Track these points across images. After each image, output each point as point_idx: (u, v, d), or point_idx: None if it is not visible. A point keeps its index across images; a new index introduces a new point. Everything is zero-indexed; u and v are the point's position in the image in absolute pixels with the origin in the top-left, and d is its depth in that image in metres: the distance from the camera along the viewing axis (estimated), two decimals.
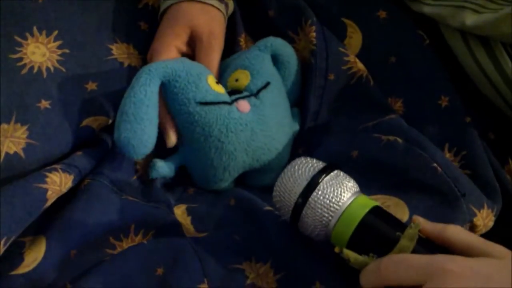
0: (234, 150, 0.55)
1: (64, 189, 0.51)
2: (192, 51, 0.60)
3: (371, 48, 0.61)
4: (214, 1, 0.60)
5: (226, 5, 0.62)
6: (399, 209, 0.49)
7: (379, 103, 0.59)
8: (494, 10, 0.54)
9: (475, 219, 0.51)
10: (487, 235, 0.53)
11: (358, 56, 0.61)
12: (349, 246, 0.42)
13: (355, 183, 0.45)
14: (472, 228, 0.51)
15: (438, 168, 0.51)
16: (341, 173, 0.45)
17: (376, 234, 0.41)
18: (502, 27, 0.53)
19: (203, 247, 0.49)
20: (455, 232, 0.40)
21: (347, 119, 0.59)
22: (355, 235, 0.42)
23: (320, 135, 0.60)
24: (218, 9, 0.60)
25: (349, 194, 0.43)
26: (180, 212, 0.55)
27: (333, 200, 0.43)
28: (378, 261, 0.39)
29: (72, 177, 0.52)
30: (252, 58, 0.59)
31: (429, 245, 0.41)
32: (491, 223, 0.53)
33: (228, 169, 0.56)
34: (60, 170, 0.51)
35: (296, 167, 0.45)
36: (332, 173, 0.44)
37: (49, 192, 0.49)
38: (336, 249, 0.43)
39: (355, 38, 0.61)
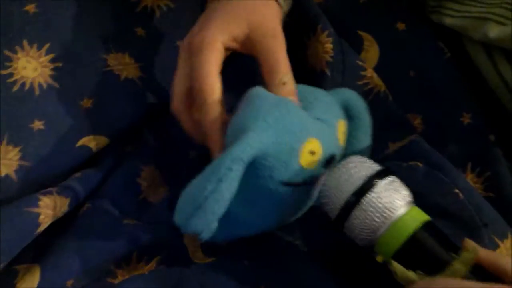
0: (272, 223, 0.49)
1: (59, 213, 0.50)
2: (240, 46, 0.49)
3: (389, 62, 0.60)
4: None
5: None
6: None
7: (399, 121, 0.58)
8: None
9: (497, 251, 0.49)
10: None
11: (375, 70, 0.59)
12: (394, 258, 0.40)
13: (410, 193, 0.43)
14: None
15: (460, 194, 0.50)
16: (398, 180, 0.43)
17: (427, 252, 0.40)
18: None
19: (209, 274, 0.47)
20: (510, 262, 0.38)
21: None
22: (404, 248, 0.40)
23: None
24: (279, 3, 0.52)
25: (403, 203, 0.41)
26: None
27: (387, 205, 0.41)
28: (430, 282, 0.38)
29: (68, 200, 0.51)
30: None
31: (480, 272, 0.39)
32: None
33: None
34: (55, 193, 0.51)
35: (352, 164, 0.42)
36: (388, 178, 0.42)
37: (42, 217, 0.48)
38: (379, 259, 0.42)
39: (371, 51, 0.60)
